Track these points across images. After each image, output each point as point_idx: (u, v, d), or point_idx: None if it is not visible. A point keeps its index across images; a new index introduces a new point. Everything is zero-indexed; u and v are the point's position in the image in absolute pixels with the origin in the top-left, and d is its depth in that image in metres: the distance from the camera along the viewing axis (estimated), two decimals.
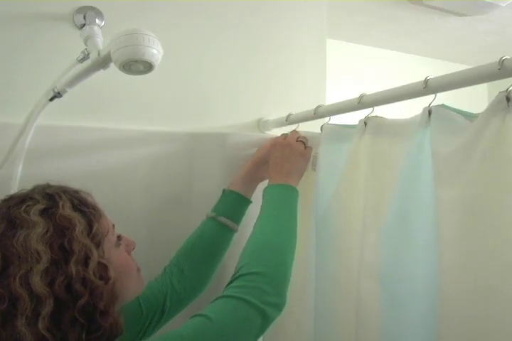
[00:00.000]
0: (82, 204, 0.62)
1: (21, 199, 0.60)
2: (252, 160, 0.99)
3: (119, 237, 0.68)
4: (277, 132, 1.12)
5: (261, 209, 0.85)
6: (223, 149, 1.06)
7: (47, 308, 0.52)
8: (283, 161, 0.92)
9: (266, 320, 0.66)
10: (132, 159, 0.99)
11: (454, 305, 0.61)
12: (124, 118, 1.01)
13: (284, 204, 0.85)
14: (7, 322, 0.52)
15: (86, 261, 0.56)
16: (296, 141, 0.95)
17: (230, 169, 1.06)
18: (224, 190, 0.96)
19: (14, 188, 0.82)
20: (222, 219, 0.91)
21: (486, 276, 0.58)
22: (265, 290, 0.68)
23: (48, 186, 0.64)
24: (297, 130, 0.99)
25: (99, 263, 0.57)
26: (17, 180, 0.83)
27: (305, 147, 0.96)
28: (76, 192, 0.64)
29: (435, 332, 0.65)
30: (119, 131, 0.98)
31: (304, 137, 0.97)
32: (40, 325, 0.51)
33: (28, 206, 0.58)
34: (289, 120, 1.02)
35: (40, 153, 0.90)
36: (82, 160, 0.94)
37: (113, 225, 0.67)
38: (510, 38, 2.24)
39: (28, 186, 0.65)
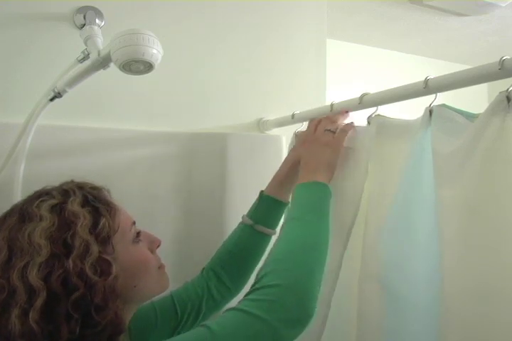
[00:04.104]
0: (96, 200, 0.62)
1: (38, 195, 0.61)
2: (284, 160, 0.92)
3: (138, 234, 0.67)
4: (277, 132, 1.12)
5: (287, 211, 0.79)
6: (223, 149, 1.06)
7: (39, 300, 0.52)
8: (310, 158, 0.83)
9: (279, 340, 0.60)
10: (132, 159, 0.99)
11: (455, 305, 0.61)
12: (124, 118, 1.01)
13: (311, 205, 0.76)
14: (4, 312, 0.53)
15: (85, 255, 0.56)
16: (325, 131, 0.85)
17: (230, 169, 1.06)
18: (261, 194, 0.89)
19: (17, 188, 0.82)
20: (260, 227, 0.87)
21: (486, 276, 0.58)
22: (284, 305, 0.61)
23: (68, 182, 0.65)
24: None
25: (99, 258, 0.57)
26: (19, 179, 0.83)
27: (335, 135, 0.85)
28: (93, 188, 0.64)
29: (437, 332, 0.65)
30: (119, 131, 0.98)
31: (335, 122, 0.86)
32: (31, 317, 0.51)
33: (41, 201, 0.59)
34: (295, 118, 1.00)
35: (41, 153, 0.90)
36: (82, 160, 0.94)
37: (133, 222, 0.67)
38: (510, 38, 2.23)
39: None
